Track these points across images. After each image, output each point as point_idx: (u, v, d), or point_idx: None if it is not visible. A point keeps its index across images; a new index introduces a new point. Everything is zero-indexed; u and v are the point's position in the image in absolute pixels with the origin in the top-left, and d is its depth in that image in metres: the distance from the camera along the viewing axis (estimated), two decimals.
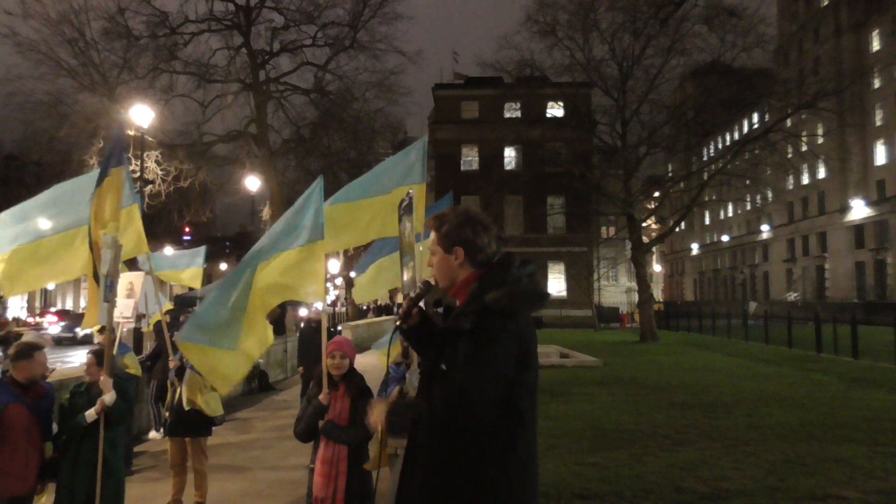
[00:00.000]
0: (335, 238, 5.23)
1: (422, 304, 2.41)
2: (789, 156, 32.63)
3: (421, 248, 4.56)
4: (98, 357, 4.67)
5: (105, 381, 4.44)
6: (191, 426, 5.75)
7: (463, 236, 2.24)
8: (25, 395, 4.04)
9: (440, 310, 2.61)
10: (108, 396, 4.39)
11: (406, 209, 4.59)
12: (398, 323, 2.35)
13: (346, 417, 3.98)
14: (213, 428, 9.67)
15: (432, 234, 2.34)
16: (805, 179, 55.96)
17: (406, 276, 4.42)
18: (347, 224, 5.27)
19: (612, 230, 43.43)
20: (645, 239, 31.51)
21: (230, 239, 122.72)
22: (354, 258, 43.03)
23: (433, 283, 2.38)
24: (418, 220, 4.65)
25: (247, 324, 4.62)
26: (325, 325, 4.65)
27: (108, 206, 4.76)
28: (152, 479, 5.94)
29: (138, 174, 19.09)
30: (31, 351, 4.13)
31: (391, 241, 5.77)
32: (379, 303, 54.19)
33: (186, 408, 5.62)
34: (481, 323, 2.04)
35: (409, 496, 2.17)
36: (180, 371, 5.77)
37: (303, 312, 20.93)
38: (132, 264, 7.47)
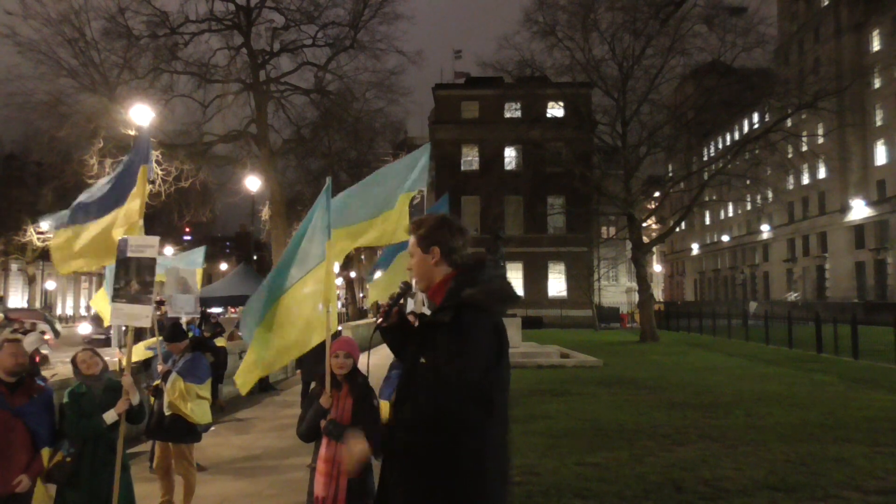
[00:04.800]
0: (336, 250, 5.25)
1: (410, 304, 2.53)
2: (789, 156, 32.64)
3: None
4: (94, 350, 4.61)
5: (128, 381, 4.38)
6: (172, 431, 5.62)
7: (439, 237, 2.41)
8: (12, 396, 3.96)
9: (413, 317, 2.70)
10: (136, 397, 4.36)
11: (416, 208, 4.64)
12: (378, 321, 2.48)
13: (349, 417, 3.98)
14: (211, 429, 9.71)
15: (411, 238, 2.48)
16: (805, 179, 55.97)
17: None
18: (349, 239, 5.25)
19: (612, 230, 43.50)
20: (645, 239, 31.52)
21: (230, 239, 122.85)
22: (355, 258, 43.06)
23: (412, 283, 2.51)
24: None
25: (269, 335, 4.66)
26: (329, 325, 4.64)
27: (138, 206, 4.78)
28: (149, 480, 5.95)
29: None
30: (1, 343, 4.03)
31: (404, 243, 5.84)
32: (380, 303, 54.31)
33: (166, 412, 5.54)
34: (460, 317, 2.17)
35: (390, 492, 2.26)
36: (167, 376, 5.68)
37: None
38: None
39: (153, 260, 4.58)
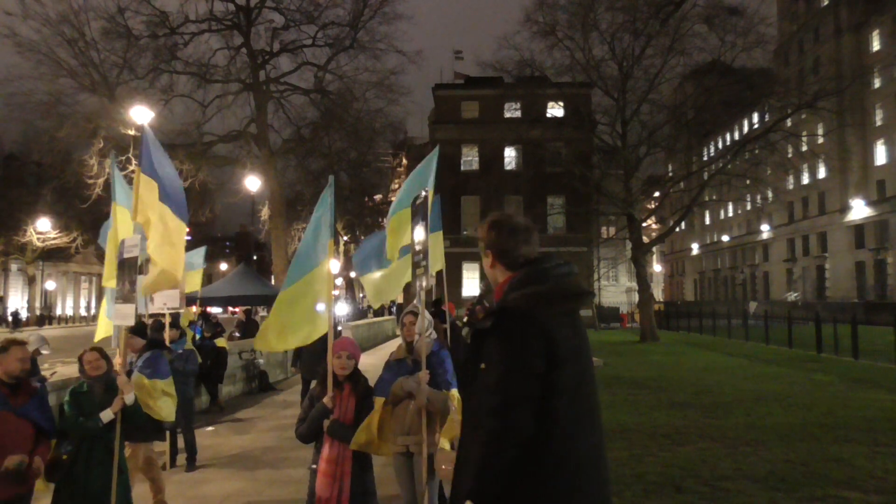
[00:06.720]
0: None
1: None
2: (789, 156, 32.64)
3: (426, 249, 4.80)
4: (102, 352, 4.64)
5: (123, 381, 4.40)
6: (137, 430, 5.44)
7: (490, 240, 2.32)
8: (14, 397, 3.97)
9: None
10: (129, 397, 4.36)
11: (421, 207, 4.60)
12: (465, 320, 2.44)
13: (352, 418, 3.97)
14: (210, 429, 9.71)
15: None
16: (805, 179, 55.96)
17: (418, 274, 4.60)
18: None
19: (612, 230, 43.43)
20: (645, 239, 31.49)
21: (230, 239, 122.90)
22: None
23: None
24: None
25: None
26: (331, 325, 4.65)
27: (140, 206, 4.85)
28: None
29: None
30: (8, 345, 4.02)
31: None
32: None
33: None
34: (499, 323, 2.08)
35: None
36: (129, 374, 5.69)
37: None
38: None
39: (136, 259, 4.64)
